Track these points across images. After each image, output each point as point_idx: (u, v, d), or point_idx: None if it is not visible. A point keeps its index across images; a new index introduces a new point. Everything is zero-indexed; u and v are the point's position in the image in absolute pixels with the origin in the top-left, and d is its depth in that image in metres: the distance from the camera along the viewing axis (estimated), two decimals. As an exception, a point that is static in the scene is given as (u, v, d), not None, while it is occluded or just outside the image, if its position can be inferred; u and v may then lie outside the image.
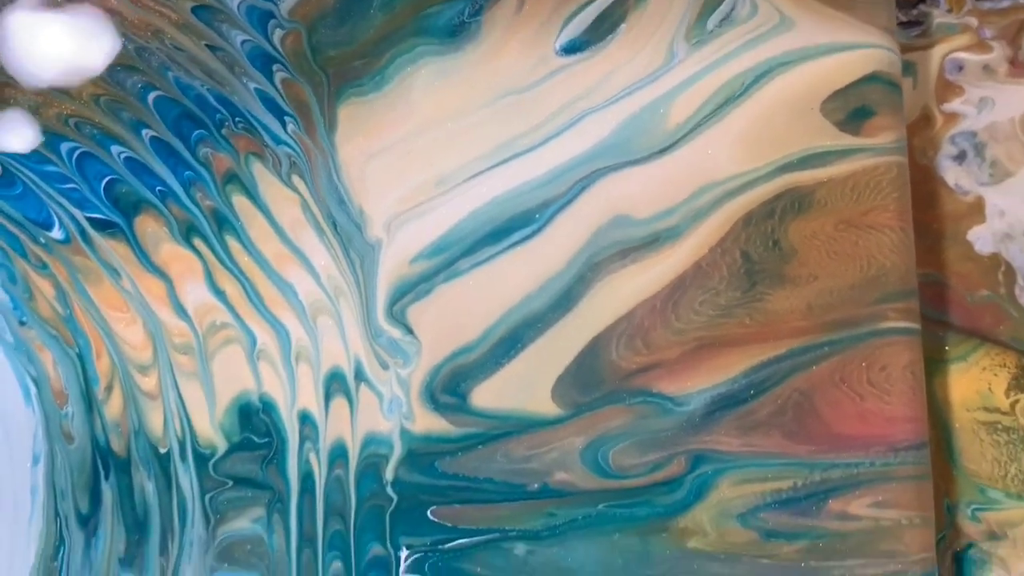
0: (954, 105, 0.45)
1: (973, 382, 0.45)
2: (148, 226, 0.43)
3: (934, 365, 0.45)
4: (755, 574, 0.39)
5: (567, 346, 0.41)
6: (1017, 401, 0.44)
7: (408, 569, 0.40)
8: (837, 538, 0.38)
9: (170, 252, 0.43)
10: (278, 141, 0.42)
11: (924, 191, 0.45)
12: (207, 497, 0.42)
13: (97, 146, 0.42)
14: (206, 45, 0.42)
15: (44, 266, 0.43)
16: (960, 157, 0.45)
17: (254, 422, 0.42)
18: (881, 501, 0.39)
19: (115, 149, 0.42)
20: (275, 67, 0.42)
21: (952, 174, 0.46)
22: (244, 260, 0.42)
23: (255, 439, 0.42)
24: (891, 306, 0.39)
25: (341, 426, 0.41)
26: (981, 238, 0.46)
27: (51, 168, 0.42)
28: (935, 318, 0.46)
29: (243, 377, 0.42)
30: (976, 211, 0.46)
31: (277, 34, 0.41)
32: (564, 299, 0.41)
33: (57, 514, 0.42)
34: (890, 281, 0.39)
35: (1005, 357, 0.45)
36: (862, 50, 0.39)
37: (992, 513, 0.44)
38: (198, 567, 0.41)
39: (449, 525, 0.40)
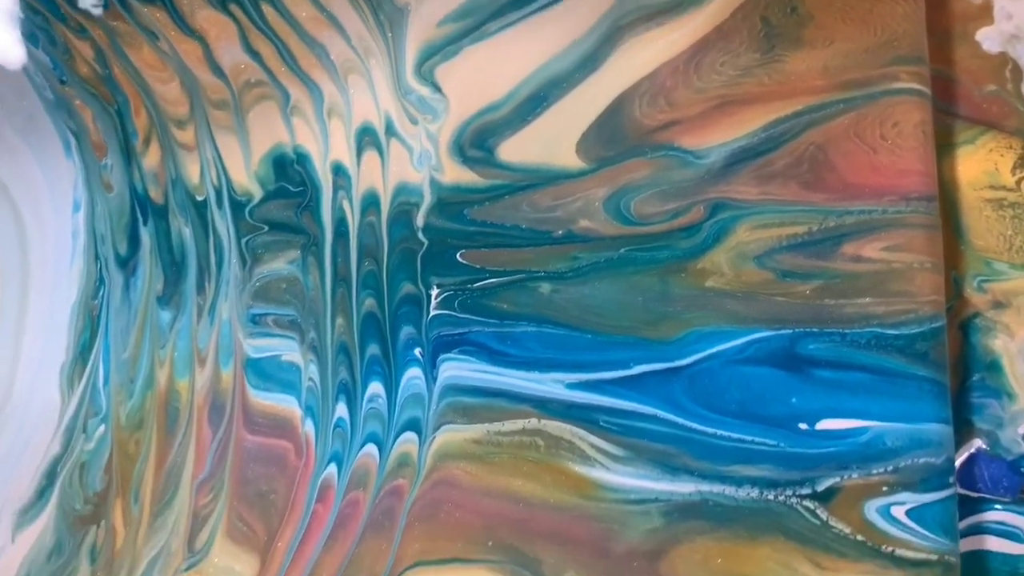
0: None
1: (980, 163, 0.46)
2: (184, -9, 0.44)
3: (942, 149, 0.46)
4: (770, 311, 0.40)
5: (591, 104, 0.42)
6: (1023, 179, 0.46)
7: (439, 306, 0.42)
8: (850, 279, 0.39)
9: (206, 16, 0.43)
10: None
11: (934, -9, 0.46)
12: (243, 241, 0.43)
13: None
14: None
15: (83, 30, 0.44)
16: (971, -43, 0.46)
17: (288, 172, 0.43)
18: (893, 245, 0.40)
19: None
20: None
21: (961, -25, 0.47)
22: (278, 23, 0.43)
23: (290, 188, 0.43)
24: (903, 68, 0.40)
25: (373, 176, 0.42)
26: (989, 38, 0.47)
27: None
28: (944, 110, 0.46)
29: (277, 131, 0.43)
30: (984, 13, 0.47)
31: None
32: (589, 60, 0.42)
33: (97, 257, 0.43)
34: (902, 46, 0.40)
35: (1011, 141, 0.46)
36: None
37: (997, 284, 0.45)
38: (235, 304, 0.42)
39: (477, 267, 0.42)
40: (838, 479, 0.38)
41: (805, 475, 0.38)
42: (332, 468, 0.41)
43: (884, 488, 0.37)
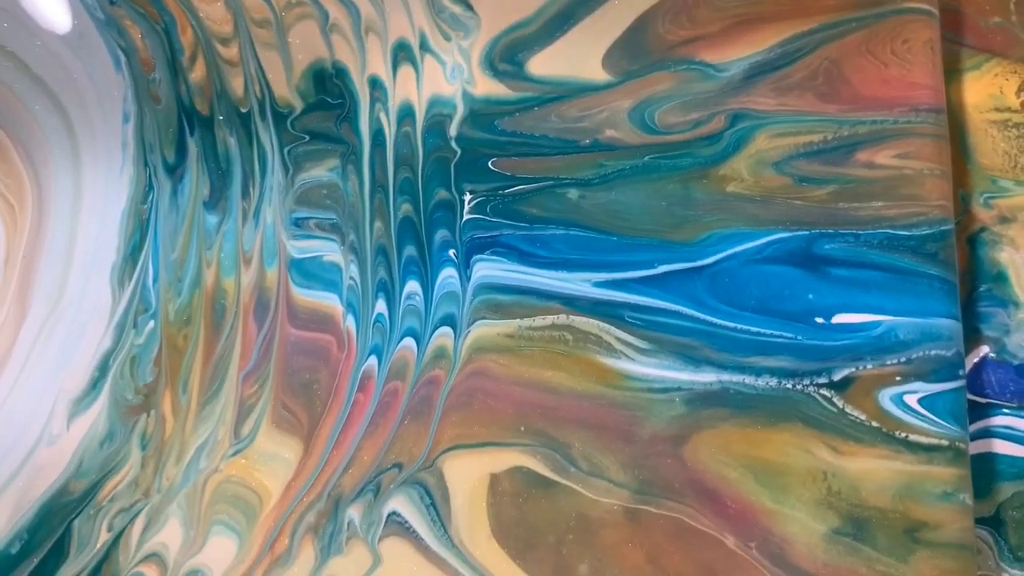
0: None
1: (985, 87, 0.48)
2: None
3: (949, 75, 0.47)
4: (788, 214, 0.42)
5: (617, 21, 0.44)
6: (1027, 101, 0.47)
7: (471, 211, 0.43)
8: (863, 184, 0.41)
9: (247, -59, 0.46)
10: None
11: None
12: (286, 150, 0.45)
13: None
14: None
15: (129, -45, 0.46)
16: None
17: (328, 86, 0.45)
18: (904, 153, 0.41)
19: None
20: None
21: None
22: (315, -53, 0.45)
23: (329, 100, 0.45)
24: (913, -11, 0.42)
25: (408, 89, 0.44)
26: (995, -27, 0.49)
27: None
28: (950, 39, 0.48)
29: (317, 47, 0.45)
30: (991, -52, 0.49)
31: None
32: (614, -21, 0.44)
33: (146, 164, 0.45)
34: (912, -31, 0.43)
35: (1016, 67, 0.48)
36: None
37: (1003, 200, 0.47)
38: (278, 208, 0.44)
39: (508, 174, 0.44)
40: (853, 369, 0.39)
41: (822, 366, 0.40)
42: (372, 360, 0.43)
43: (897, 378, 0.39)
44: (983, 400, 0.45)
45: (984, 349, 0.44)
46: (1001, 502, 0.44)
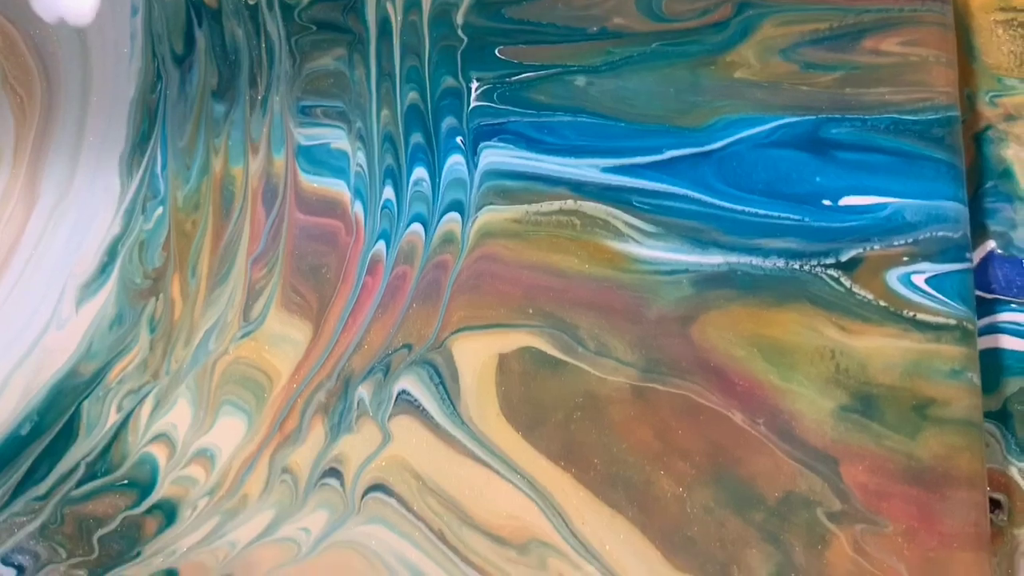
0: None
1: (992, -10, 0.48)
2: None
3: (954, -19, 0.47)
4: (795, 99, 0.41)
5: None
6: (1032, 0, 0.47)
7: (479, 98, 0.43)
8: (870, 70, 0.41)
9: None
10: None
11: None
12: (293, 39, 0.45)
13: None
14: None
15: None
16: None
17: (334, -23, 0.45)
18: (909, 40, 0.41)
19: None
20: None
21: None
22: None
23: (335, -13, 0.45)
24: None
25: (414, -23, 0.44)
26: None
27: None
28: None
29: (323, -61, 0.45)
30: None
31: None
32: None
33: (155, 55, 0.45)
34: None
35: (1020, -25, 0.48)
36: None
37: (1008, 98, 0.46)
38: (285, 97, 0.44)
39: (515, 62, 0.43)
40: (861, 250, 0.39)
41: (829, 247, 0.40)
42: (381, 244, 0.43)
43: (904, 258, 0.39)
44: (990, 296, 0.45)
45: (991, 244, 0.44)
46: (1008, 396, 0.44)
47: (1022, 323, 0.44)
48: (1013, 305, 0.45)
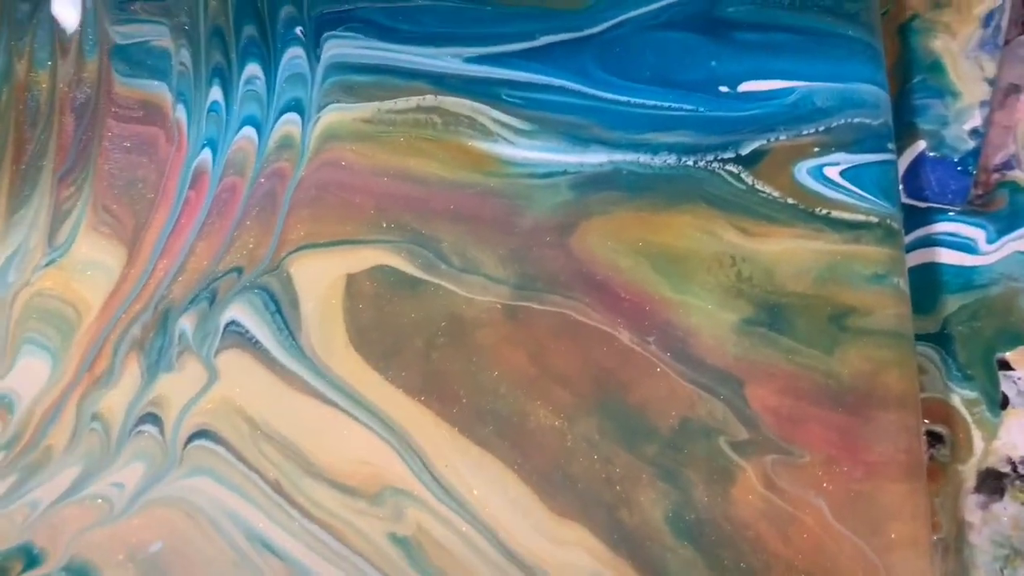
0: None
1: None
2: None
3: None
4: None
5: None
6: None
7: None
8: None
9: None
10: None
11: None
12: (107, -75, 0.39)
13: None
14: None
15: None
16: None
17: None
18: None
19: None
20: None
21: None
22: None
23: None
24: None
25: None
26: None
27: None
28: None
29: None
30: None
31: None
32: None
33: None
34: None
35: None
36: None
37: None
38: (99, -9, 0.39)
39: (363, -62, 0.38)
40: (764, 141, 0.36)
41: (727, 139, 0.36)
42: (206, 153, 0.37)
43: (815, 149, 0.35)
44: (922, 204, 0.41)
45: (921, 144, 0.41)
46: (947, 316, 0.40)
47: (961, 234, 0.42)
48: (950, 213, 0.40)
